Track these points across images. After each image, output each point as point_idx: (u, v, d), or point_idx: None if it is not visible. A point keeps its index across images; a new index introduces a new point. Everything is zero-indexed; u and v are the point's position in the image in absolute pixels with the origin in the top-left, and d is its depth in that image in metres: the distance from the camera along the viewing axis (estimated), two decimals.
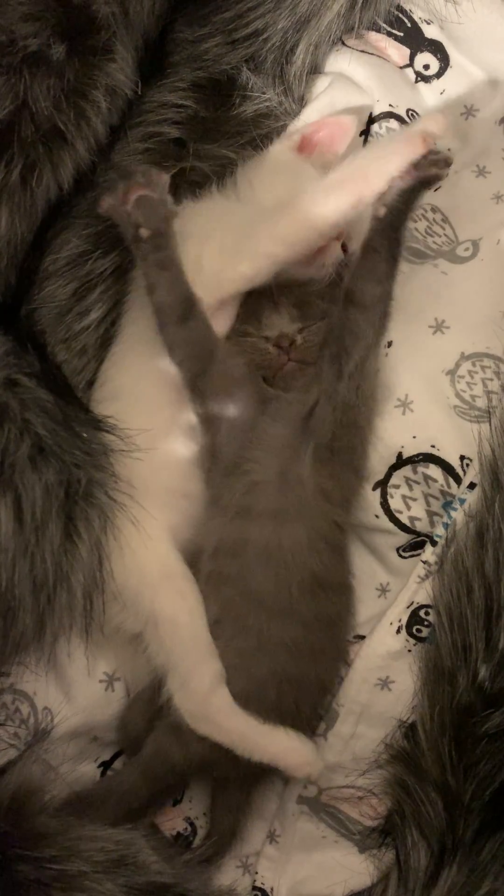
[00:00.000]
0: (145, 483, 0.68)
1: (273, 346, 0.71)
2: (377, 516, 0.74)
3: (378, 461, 0.74)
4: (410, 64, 0.85)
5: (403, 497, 0.74)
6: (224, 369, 0.70)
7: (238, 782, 0.72)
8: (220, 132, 0.79)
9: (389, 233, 0.65)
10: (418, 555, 0.73)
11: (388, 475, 0.74)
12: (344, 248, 0.75)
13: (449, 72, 0.84)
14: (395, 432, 0.74)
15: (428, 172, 0.65)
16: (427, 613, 0.71)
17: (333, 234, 0.72)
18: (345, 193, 0.66)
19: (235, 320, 0.73)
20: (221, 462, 0.71)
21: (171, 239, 0.67)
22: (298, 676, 0.69)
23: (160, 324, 0.68)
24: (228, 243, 0.69)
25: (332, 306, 0.71)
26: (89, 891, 0.58)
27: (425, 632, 0.71)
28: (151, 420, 0.69)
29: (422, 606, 0.71)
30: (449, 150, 0.76)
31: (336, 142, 0.77)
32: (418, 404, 0.74)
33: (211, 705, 0.66)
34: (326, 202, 0.67)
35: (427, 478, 0.73)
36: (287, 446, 0.70)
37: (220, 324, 0.72)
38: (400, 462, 0.74)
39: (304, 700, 0.70)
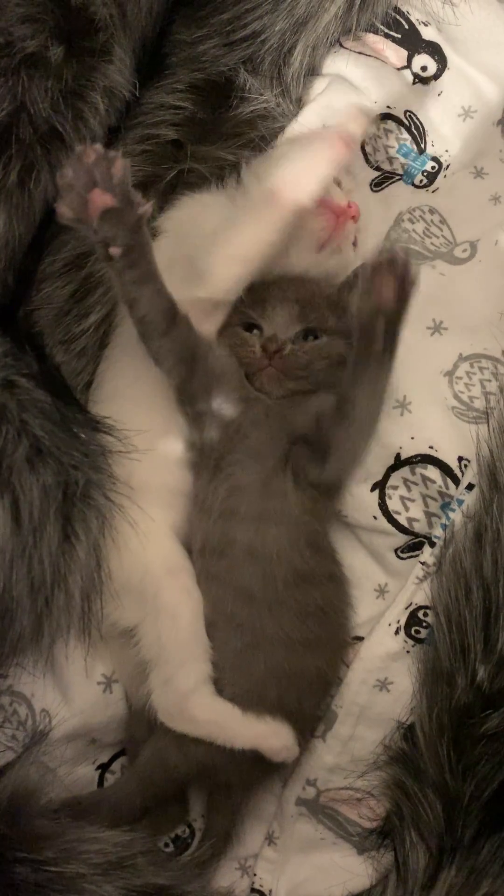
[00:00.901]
0: (146, 482, 0.68)
1: (260, 345, 0.70)
2: (375, 517, 0.74)
3: (376, 462, 0.74)
4: (408, 65, 0.85)
5: (401, 498, 0.74)
6: (209, 366, 0.69)
7: (237, 785, 0.72)
8: (218, 134, 0.79)
9: (386, 340, 0.64)
10: (416, 556, 0.73)
11: (387, 476, 0.74)
12: (354, 242, 0.75)
13: (447, 73, 0.84)
14: (393, 433, 0.74)
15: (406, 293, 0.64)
16: (425, 614, 0.71)
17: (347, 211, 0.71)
18: (278, 208, 0.65)
19: (239, 301, 0.71)
20: (209, 460, 0.70)
21: (147, 249, 0.61)
22: (298, 671, 0.69)
23: (143, 337, 0.66)
24: (185, 270, 0.68)
25: (341, 323, 0.71)
26: (87, 893, 0.58)
27: (424, 633, 0.71)
28: (149, 420, 0.69)
29: (420, 608, 0.71)
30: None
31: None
32: (416, 405, 0.74)
33: (189, 701, 0.65)
34: (259, 220, 0.66)
35: (425, 479, 0.73)
36: (269, 455, 0.69)
37: (207, 327, 0.71)
38: (398, 463, 0.74)
39: (306, 696, 0.70)
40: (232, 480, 0.69)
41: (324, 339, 0.71)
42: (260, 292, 0.72)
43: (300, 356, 0.70)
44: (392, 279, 0.62)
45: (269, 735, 0.66)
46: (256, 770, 0.70)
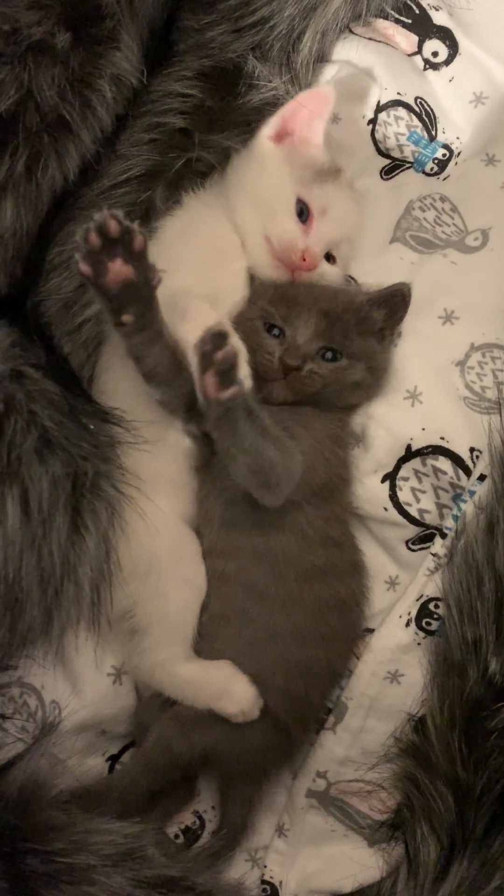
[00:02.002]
0: (156, 472, 0.69)
1: (279, 357, 0.69)
2: (386, 509, 0.74)
3: (387, 453, 0.73)
4: (419, 51, 0.84)
5: (412, 489, 0.73)
6: None
7: (245, 776, 0.72)
8: (227, 122, 0.78)
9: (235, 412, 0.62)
10: (427, 547, 0.73)
11: (397, 467, 0.73)
12: (330, 257, 0.76)
13: (458, 59, 0.83)
14: (404, 424, 0.73)
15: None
16: (437, 606, 0.70)
17: (318, 252, 0.73)
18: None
19: (264, 290, 0.72)
20: (207, 472, 0.71)
21: (155, 313, 0.63)
22: (308, 662, 0.69)
23: (149, 381, 0.66)
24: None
25: (364, 345, 0.71)
26: (98, 884, 0.58)
27: (435, 625, 0.71)
28: (154, 412, 0.69)
29: (431, 599, 0.71)
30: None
31: (314, 120, 0.76)
32: (428, 396, 0.73)
33: (158, 670, 0.70)
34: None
35: (436, 470, 0.72)
36: None
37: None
38: (409, 454, 0.73)
39: (313, 685, 0.70)
40: (227, 494, 0.70)
41: (343, 363, 0.70)
42: (289, 291, 0.71)
43: (315, 379, 0.69)
44: (212, 373, 0.60)
45: (221, 698, 0.68)
46: (262, 759, 0.71)
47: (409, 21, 0.83)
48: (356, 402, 0.74)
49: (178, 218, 0.76)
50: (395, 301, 0.73)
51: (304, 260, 0.72)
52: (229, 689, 0.68)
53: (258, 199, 0.74)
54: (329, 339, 0.70)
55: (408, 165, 0.84)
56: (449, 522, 0.71)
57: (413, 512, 0.73)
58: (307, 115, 0.75)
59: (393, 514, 0.74)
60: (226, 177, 0.77)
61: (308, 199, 0.74)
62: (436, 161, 0.84)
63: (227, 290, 0.73)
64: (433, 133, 0.84)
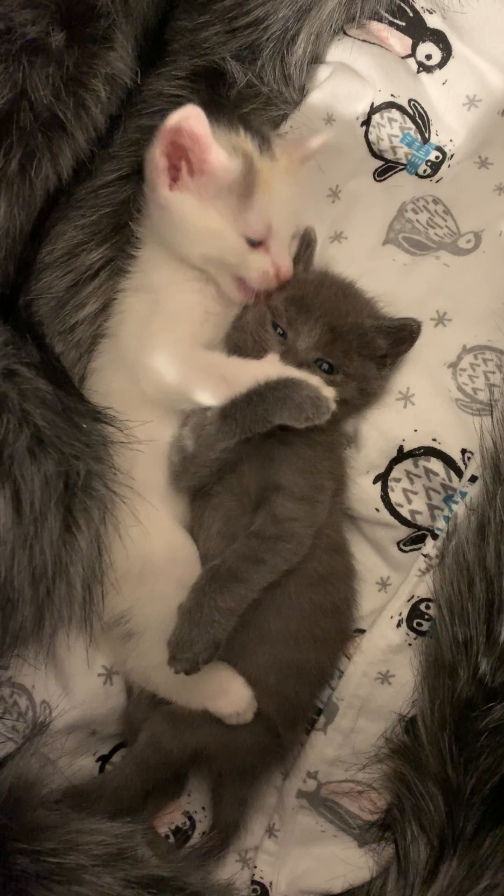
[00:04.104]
0: (150, 472, 0.69)
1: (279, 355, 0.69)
2: (378, 510, 0.74)
3: (379, 454, 0.74)
4: (412, 54, 0.84)
5: (404, 490, 0.74)
6: None
7: (236, 776, 0.72)
8: (219, 122, 0.78)
9: None
10: (419, 549, 0.73)
11: (389, 468, 0.74)
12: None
13: (451, 62, 0.84)
14: (395, 425, 0.73)
15: None
16: (428, 607, 0.71)
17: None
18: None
19: (288, 290, 0.71)
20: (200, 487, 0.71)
21: None
22: (299, 664, 0.69)
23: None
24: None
25: (362, 368, 0.71)
26: (88, 884, 0.57)
27: (426, 625, 0.71)
28: (148, 412, 0.69)
29: (422, 600, 0.71)
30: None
31: (199, 135, 0.67)
32: (420, 397, 0.73)
33: (153, 671, 0.69)
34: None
35: (428, 471, 0.73)
36: (249, 490, 0.69)
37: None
38: (401, 455, 0.73)
39: (303, 686, 0.70)
40: (223, 510, 0.70)
41: (338, 378, 0.70)
42: (306, 295, 0.71)
43: None
44: None
45: (216, 698, 0.68)
46: (253, 760, 0.71)
47: (403, 24, 0.83)
48: (339, 418, 0.72)
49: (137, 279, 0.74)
50: (403, 335, 0.73)
51: (280, 277, 0.71)
52: (225, 690, 0.68)
53: (207, 258, 0.70)
54: (328, 353, 0.70)
55: (401, 167, 0.85)
56: (440, 523, 0.72)
57: (405, 513, 0.73)
58: (188, 135, 0.67)
59: (385, 515, 0.74)
60: (149, 228, 0.73)
61: (251, 232, 0.69)
62: (429, 163, 0.84)
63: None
64: (426, 135, 0.84)
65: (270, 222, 0.70)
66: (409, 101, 0.83)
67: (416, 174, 0.84)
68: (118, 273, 0.75)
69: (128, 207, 0.75)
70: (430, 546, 0.72)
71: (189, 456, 0.69)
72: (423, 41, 0.84)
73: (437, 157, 0.84)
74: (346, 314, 0.71)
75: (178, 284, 0.71)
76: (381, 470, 0.74)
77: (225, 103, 0.78)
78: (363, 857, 0.71)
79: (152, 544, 0.68)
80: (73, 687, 0.71)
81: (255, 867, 0.74)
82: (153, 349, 0.69)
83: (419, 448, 0.73)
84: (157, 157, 0.68)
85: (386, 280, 0.76)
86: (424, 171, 0.84)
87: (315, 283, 0.73)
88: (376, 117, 0.83)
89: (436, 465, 0.72)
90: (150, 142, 0.70)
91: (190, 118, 0.66)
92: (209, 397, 0.67)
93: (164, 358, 0.68)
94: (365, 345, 0.71)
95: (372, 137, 0.84)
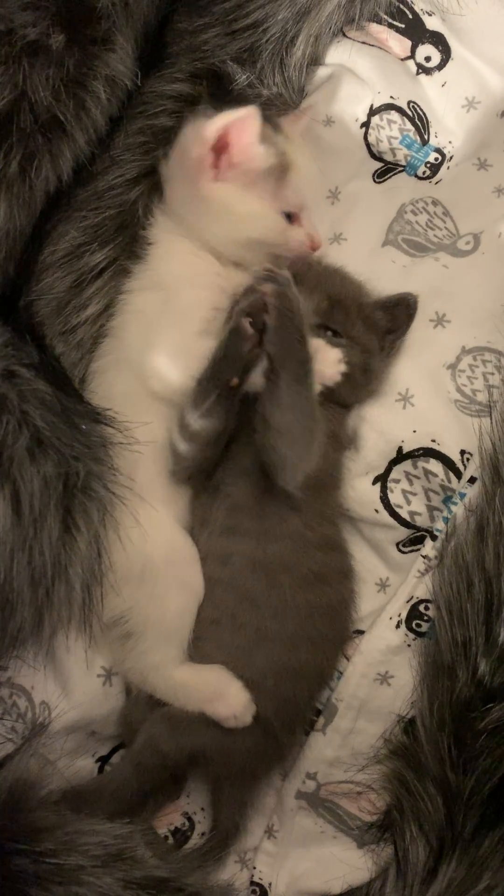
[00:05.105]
0: (150, 473, 0.69)
1: None
2: (377, 511, 0.74)
3: (378, 455, 0.74)
4: (412, 56, 0.84)
5: (403, 492, 0.74)
6: None
7: (234, 778, 0.72)
8: None
9: (282, 363, 0.64)
10: (418, 550, 0.73)
11: (388, 469, 0.74)
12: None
13: (450, 64, 0.84)
14: (395, 426, 0.73)
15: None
16: (427, 608, 0.71)
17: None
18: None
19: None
20: (206, 480, 0.71)
21: None
22: (297, 665, 0.69)
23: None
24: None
25: (364, 336, 0.71)
26: (87, 885, 0.57)
27: (425, 626, 0.71)
28: (148, 413, 0.69)
29: (421, 601, 0.71)
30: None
31: (240, 128, 0.70)
32: (419, 398, 0.74)
33: (152, 672, 0.70)
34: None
35: (427, 472, 0.73)
36: (259, 471, 0.69)
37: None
38: (400, 456, 0.73)
39: (301, 688, 0.70)
40: (230, 500, 0.70)
41: (344, 341, 0.70)
42: (300, 273, 0.71)
43: None
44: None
45: (214, 701, 0.68)
46: (251, 761, 0.71)
47: (403, 26, 0.84)
48: (343, 395, 0.72)
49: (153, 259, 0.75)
50: (400, 309, 0.73)
51: (314, 245, 0.75)
52: (223, 693, 0.68)
53: (251, 240, 0.72)
54: (328, 318, 0.70)
55: (400, 169, 0.85)
56: (439, 525, 0.72)
57: (404, 514, 0.73)
58: (236, 126, 0.70)
59: (384, 516, 0.74)
60: (164, 225, 0.75)
61: (289, 207, 0.74)
62: (428, 165, 0.85)
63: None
64: (426, 137, 0.84)
65: (300, 198, 0.74)
66: (409, 102, 0.83)
67: (416, 176, 0.85)
68: (122, 274, 0.75)
69: (133, 209, 0.75)
70: (429, 547, 0.72)
71: (184, 457, 0.69)
72: (423, 43, 0.84)
73: (436, 159, 0.84)
74: (342, 286, 0.72)
75: (189, 279, 0.73)
76: (381, 471, 0.74)
77: (229, 98, 0.78)
78: (362, 857, 0.71)
79: (152, 545, 0.68)
80: (73, 688, 0.71)
81: (255, 868, 0.74)
82: (160, 346, 0.69)
83: (418, 449, 0.73)
84: (202, 153, 0.71)
85: (385, 281, 0.77)
86: (424, 172, 0.84)
87: (306, 263, 0.74)
88: (375, 119, 0.83)
89: (435, 466, 0.73)
90: (167, 143, 0.73)
91: (247, 119, 0.70)
92: None
93: (171, 354, 0.69)
94: (365, 317, 0.72)
95: (371, 139, 0.84)
